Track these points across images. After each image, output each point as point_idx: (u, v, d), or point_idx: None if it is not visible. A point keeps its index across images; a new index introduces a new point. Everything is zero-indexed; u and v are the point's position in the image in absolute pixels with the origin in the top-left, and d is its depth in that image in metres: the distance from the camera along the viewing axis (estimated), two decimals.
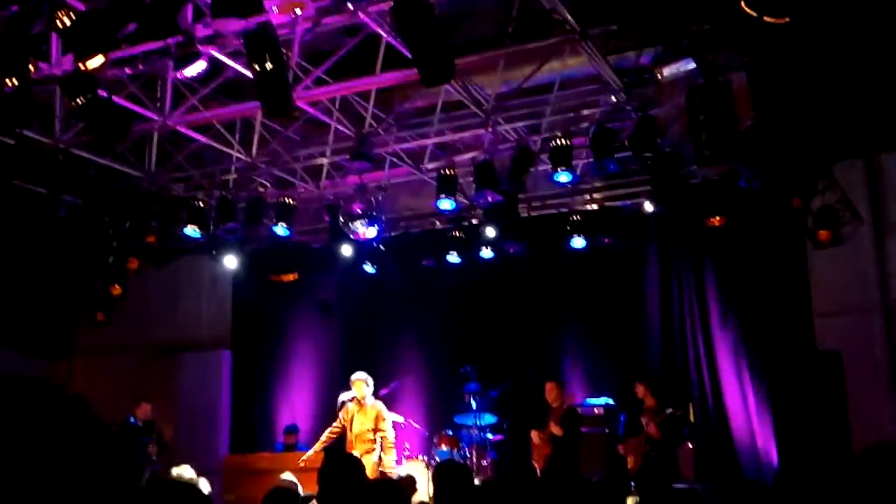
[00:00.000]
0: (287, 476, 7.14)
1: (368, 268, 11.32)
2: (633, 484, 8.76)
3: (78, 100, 6.60)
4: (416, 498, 7.18)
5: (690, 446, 9.37)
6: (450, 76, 6.55)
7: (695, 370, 10.27)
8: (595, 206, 10.55)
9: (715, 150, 7.22)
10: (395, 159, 9.98)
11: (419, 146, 9.85)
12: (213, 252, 11.25)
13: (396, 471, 9.71)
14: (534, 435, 9.68)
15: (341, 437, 9.54)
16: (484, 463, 10.15)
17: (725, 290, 10.22)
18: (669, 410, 8.86)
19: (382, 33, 7.15)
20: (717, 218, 9.15)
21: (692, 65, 7.03)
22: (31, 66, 6.13)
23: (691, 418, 9.97)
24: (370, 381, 9.49)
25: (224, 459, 11.23)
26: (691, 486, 8.70)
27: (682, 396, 9.92)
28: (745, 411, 9.86)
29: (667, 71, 7.42)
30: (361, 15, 6.72)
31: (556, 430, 9.36)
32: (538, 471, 9.50)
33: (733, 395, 9.96)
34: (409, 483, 7.16)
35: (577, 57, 7.88)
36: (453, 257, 10.89)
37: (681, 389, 10.10)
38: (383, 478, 8.09)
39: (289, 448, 11.23)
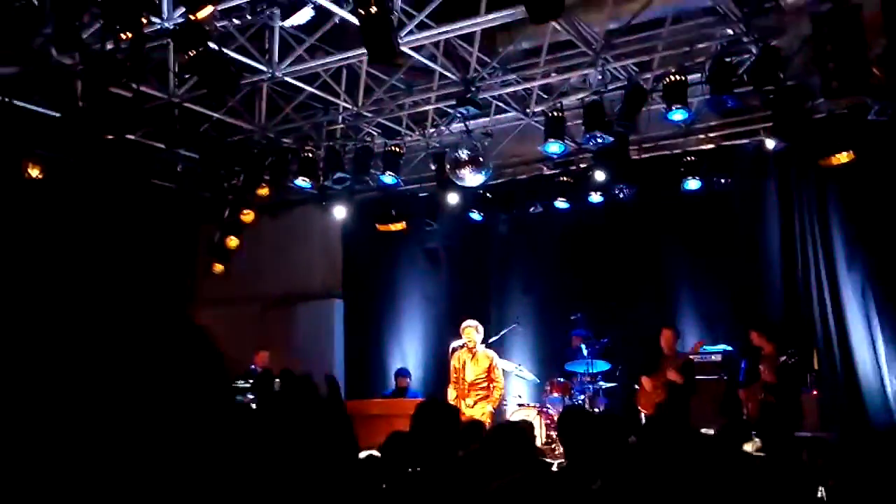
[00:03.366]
0: None
1: (475, 215, 11.26)
2: (753, 432, 8.48)
3: (189, 53, 6.73)
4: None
5: (815, 394, 9.00)
6: (558, 12, 6.35)
7: (819, 315, 9.78)
8: (711, 146, 10.11)
9: (844, 81, 6.76)
10: (500, 104, 9.82)
11: (525, 90, 9.65)
12: (324, 202, 11.41)
13: (513, 419, 9.74)
14: (644, 381, 9.47)
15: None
16: (596, 411, 10.05)
17: (852, 230, 9.65)
18: (783, 357, 8.50)
19: None
20: (844, 154, 8.59)
21: None
22: (143, 20, 6.25)
23: (815, 365, 9.56)
24: (480, 328, 9.49)
25: None
26: (816, 435, 8.39)
27: (804, 342, 9.50)
28: (874, 357, 9.35)
29: None
30: None
31: (674, 376, 9.11)
32: (643, 416, 9.37)
33: (860, 341, 9.45)
34: (527, 429, 7.12)
35: None
36: (562, 203, 10.69)
37: (803, 335, 9.67)
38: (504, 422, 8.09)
39: (400, 391, 11.42)
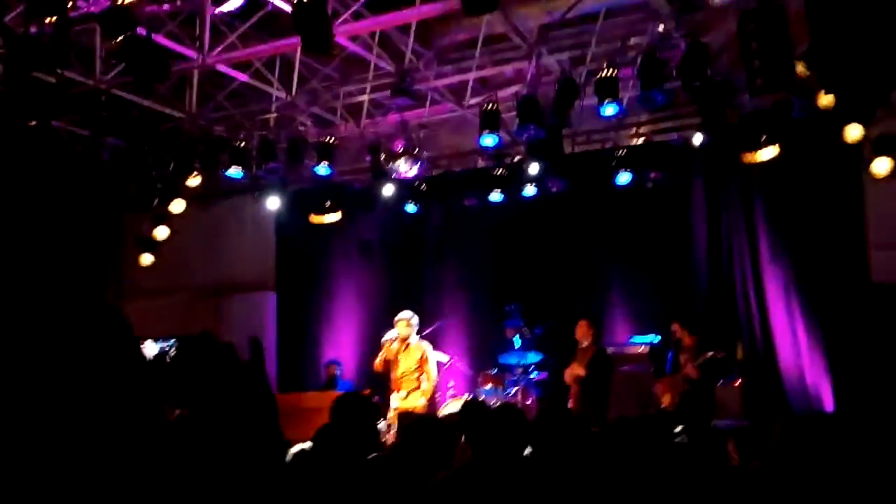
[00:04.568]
0: None
1: (410, 207, 11.27)
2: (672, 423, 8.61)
3: (117, 38, 6.55)
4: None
5: (738, 383, 9.25)
6: (494, 6, 6.37)
7: (743, 307, 10.08)
8: (641, 141, 10.29)
9: (768, 78, 6.95)
10: (436, 96, 9.82)
11: (460, 82, 9.67)
12: (256, 193, 11.26)
13: (445, 410, 9.78)
14: (566, 373, 9.60)
15: (386, 377, 9.58)
16: (528, 402, 10.15)
17: (776, 224, 9.96)
18: (710, 353, 8.67)
19: None
20: (769, 149, 8.81)
21: None
22: (68, 3, 6.06)
23: (739, 355, 9.83)
24: (415, 320, 9.48)
25: None
26: (739, 423, 8.62)
27: (728, 333, 9.77)
28: (796, 348, 9.68)
29: None
30: None
31: (579, 370, 9.24)
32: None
33: (783, 332, 9.78)
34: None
35: None
36: (496, 195, 10.77)
37: (728, 326, 9.94)
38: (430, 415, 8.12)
39: (330, 380, 11.41)
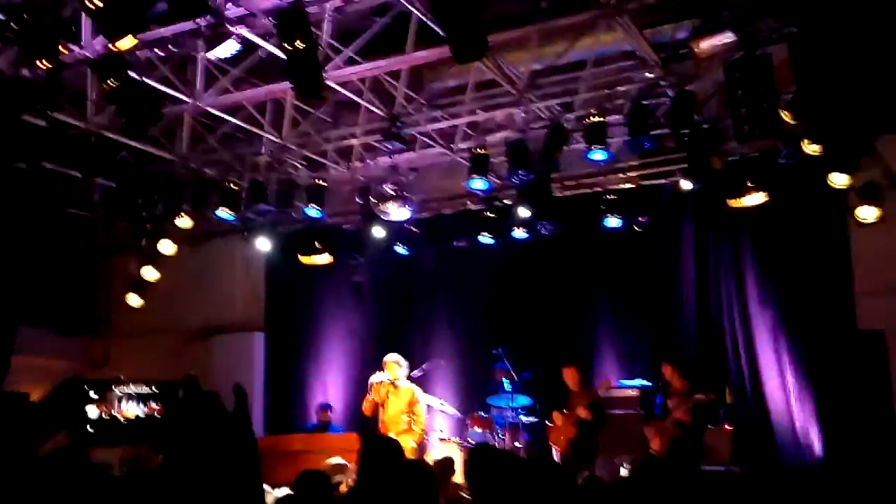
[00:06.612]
0: (335, 460, 7.21)
1: (400, 249, 11.28)
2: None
3: (109, 82, 6.62)
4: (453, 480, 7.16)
5: (728, 428, 9.21)
6: (482, 53, 6.46)
7: (732, 351, 10.08)
8: (630, 185, 10.37)
9: (754, 126, 7.04)
10: (426, 139, 9.89)
11: (451, 126, 9.75)
12: (246, 234, 11.27)
13: (434, 454, 9.71)
14: (556, 416, 9.53)
15: (375, 420, 9.53)
16: (517, 444, 10.09)
17: (764, 269, 10.01)
18: (700, 396, 8.62)
19: (413, 10, 7.05)
20: (757, 196, 8.86)
21: (731, 37, 6.83)
22: (61, 49, 6.12)
23: (728, 399, 9.81)
24: (403, 362, 9.46)
25: (258, 441, 11.26)
26: (727, 469, 8.57)
27: (717, 377, 9.75)
28: (784, 393, 9.67)
29: (704, 44, 7.21)
30: None
31: (584, 413, 9.15)
32: (555, 452, 9.41)
33: (771, 377, 9.77)
34: (447, 465, 7.14)
35: (611, 32, 7.72)
36: (486, 238, 10.80)
37: (717, 370, 9.93)
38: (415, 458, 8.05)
39: (322, 426, 11.29)
